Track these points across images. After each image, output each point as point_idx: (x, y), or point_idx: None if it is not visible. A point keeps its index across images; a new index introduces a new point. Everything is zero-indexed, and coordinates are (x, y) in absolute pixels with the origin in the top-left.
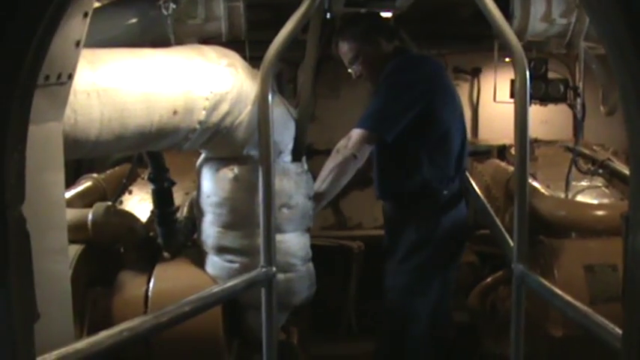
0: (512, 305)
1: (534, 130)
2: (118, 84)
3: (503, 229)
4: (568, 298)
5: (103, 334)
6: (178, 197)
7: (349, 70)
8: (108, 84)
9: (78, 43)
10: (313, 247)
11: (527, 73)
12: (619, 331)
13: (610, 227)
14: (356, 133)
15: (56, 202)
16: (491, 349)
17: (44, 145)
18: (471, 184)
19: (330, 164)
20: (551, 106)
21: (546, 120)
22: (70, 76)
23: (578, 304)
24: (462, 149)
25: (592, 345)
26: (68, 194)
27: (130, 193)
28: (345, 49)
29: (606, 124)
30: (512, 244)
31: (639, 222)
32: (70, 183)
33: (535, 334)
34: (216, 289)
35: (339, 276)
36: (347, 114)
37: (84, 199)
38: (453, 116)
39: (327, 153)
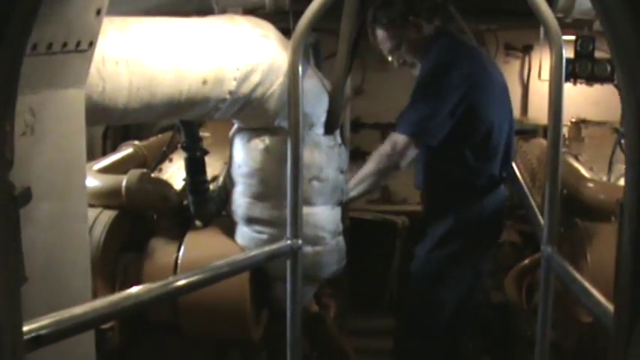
0: (540, 288)
1: (584, 110)
2: (148, 53)
3: (537, 210)
4: (586, 284)
5: (127, 293)
6: (217, 167)
7: (389, 59)
8: (137, 52)
9: (99, 12)
10: (358, 220)
11: (564, 51)
12: None
13: None
14: (402, 140)
15: (76, 168)
16: (524, 331)
17: (64, 111)
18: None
19: (371, 167)
20: (603, 87)
21: (597, 101)
22: (92, 44)
23: (594, 291)
24: (509, 143)
25: None
26: (108, 161)
27: (171, 161)
28: (382, 36)
29: None
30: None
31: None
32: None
33: (564, 318)
34: (239, 257)
35: (383, 251)
36: (395, 88)
37: (124, 166)
38: (499, 111)
39: (374, 127)
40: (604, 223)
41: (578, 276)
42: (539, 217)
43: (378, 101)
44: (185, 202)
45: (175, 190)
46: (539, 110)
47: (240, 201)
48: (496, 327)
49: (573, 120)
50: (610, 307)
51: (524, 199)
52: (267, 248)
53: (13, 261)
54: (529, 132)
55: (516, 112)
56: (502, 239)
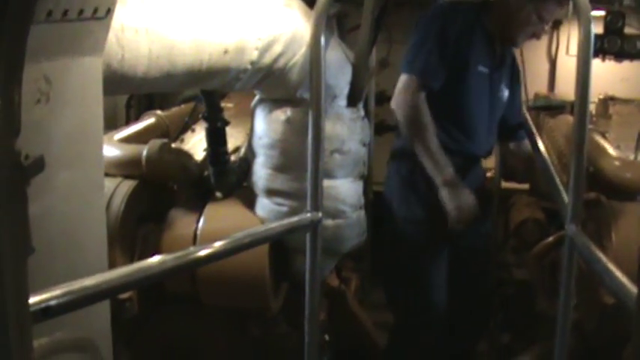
0: (563, 266)
1: (612, 87)
2: (168, 21)
3: (561, 188)
4: (610, 265)
5: (141, 264)
6: (239, 138)
7: (541, 34)
8: (157, 21)
9: None
10: (381, 194)
11: (592, 26)
12: None
13: None
14: (405, 79)
15: (93, 137)
16: (546, 309)
17: (81, 79)
18: (535, 138)
19: (402, 125)
20: (632, 63)
21: (626, 77)
22: (109, 12)
23: (618, 273)
24: (491, 123)
25: None
26: (130, 130)
27: (193, 131)
28: (553, 9)
29: None
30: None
31: None
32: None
33: (586, 299)
34: (259, 229)
35: None
36: None
37: (146, 136)
38: (481, 95)
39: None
40: (630, 203)
41: (602, 256)
42: (564, 195)
43: (392, 74)
44: (206, 173)
45: (196, 161)
46: (566, 86)
47: (261, 172)
48: (517, 304)
49: (601, 97)
50: (634, 289)
51: (549, 176)
52: (287, 221)
53: (19, 231)
54: (556, 107)
55: (543, 88)
56: (525, 216)
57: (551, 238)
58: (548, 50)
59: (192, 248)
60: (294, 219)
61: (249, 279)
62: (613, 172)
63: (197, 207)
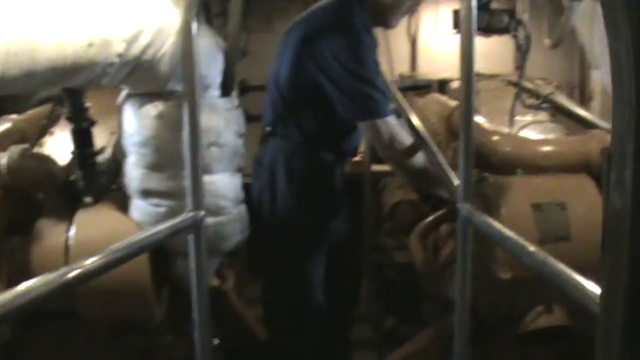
0: (457, 247)
1: (476, 63)
2: (26, 15)
3: (447, 166)
4: (519, 239)
5: (13, 293)
6: (103, 137)
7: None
8: (12, 14)
9: None
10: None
11: (473, 2)
12: (574, 275)
13: (557, 164)
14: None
15: None
16: (433, 290)
17: None
18: (410, 119)
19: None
20: (491, 39)
21: (487, 53)
22: None
23: (532, 247)
24: (278, 97)
25: (541, 287)
26: None
27: (52, 134)
28: None
29: (548, 57)
30: (456, 182)
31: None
32: None
33: (480, 276)
34: (139, 236)
35: None
36: None
37: (3, 142)
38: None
39: (260, 89)
40: (513, 177)
41: (508, 232)
42: (450, 174)
43: (264, 63)
44: (72, 178)
45: (60, 166)
46: (429, 65)
47: (134, 173)
48: (400, 288)
49: None
50: (546, 257)
51: (431, 156)
52: (168, 224)
53: None
54: (423, 87)
55: (405, 67)
56: (399, 198)
57: (431, 218)
58: (408, 29)
59: (65, 268)
60: (176, 220)
61: (129, 289)
62: (493, 147)
63: (66, 215)
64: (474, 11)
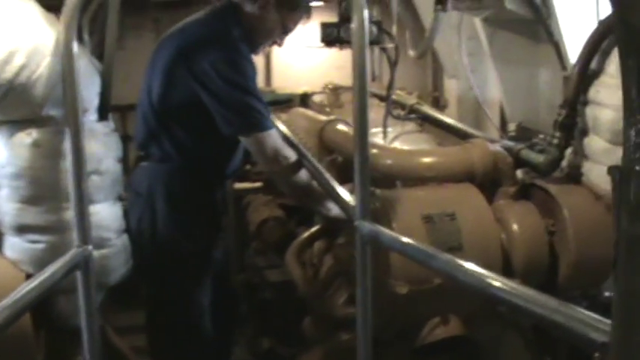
0: (357, 266)
1: (330, 76)
2: None
3: (337, 186)
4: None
5: None
6: None
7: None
8: None
9: None
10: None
11: (366, 13)
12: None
13: (441, 174)
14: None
15: None
16: (316, 308)
17: None
18: (286, 135)
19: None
20: (344, 51)
21: (341, 65)
22: None
23: (448, 256)
24: (151, 114)
25: (439, 298)
26: None
27: None
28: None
29: (402, 67)
30: (348, 198)
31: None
32: None
33: (377, 293)
34: (28, 286)
35: None
36: (133, 66)
37: None
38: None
39: (114, 109)
40: (401, 189)
41: (421, 245)
42: (340, 191)
43: (116, 81)
44: None
45: None
46: (286, 80)
47: (7, 207)
48: (275, 307)
49: (330, 86)
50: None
51: (316, 172)
52: (58, 264)
53: None
54: (284, 102)
55: (260, 82)
56: (265, 216)
57: (305, 235)
58: None
59: None
60: (65, 258)
61: (8, 337)
62: (374, 161)
63: None
64: (366, 24)
